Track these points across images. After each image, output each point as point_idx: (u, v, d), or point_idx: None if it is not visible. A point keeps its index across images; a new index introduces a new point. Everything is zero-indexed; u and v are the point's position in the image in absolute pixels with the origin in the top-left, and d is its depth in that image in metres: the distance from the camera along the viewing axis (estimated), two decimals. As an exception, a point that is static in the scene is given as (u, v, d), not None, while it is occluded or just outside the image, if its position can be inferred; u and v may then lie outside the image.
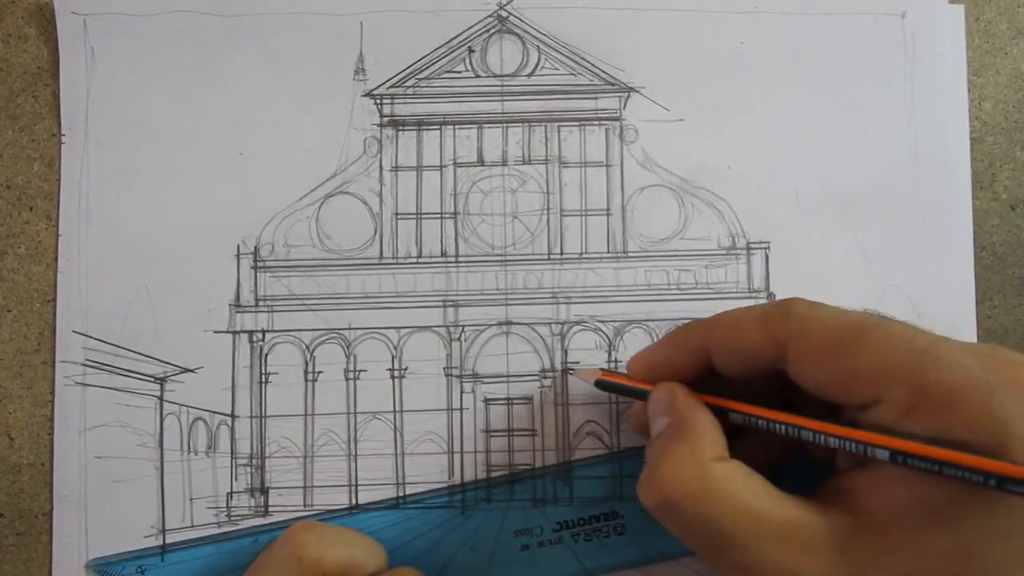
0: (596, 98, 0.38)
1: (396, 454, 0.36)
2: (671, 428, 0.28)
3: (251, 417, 0.36)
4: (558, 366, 0.37)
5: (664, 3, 0.38)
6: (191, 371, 0.36)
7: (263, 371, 0.36)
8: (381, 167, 0.37)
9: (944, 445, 0.23)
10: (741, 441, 0.29)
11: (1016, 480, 0.22)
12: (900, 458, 0.24)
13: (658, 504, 0.27)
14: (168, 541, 0.35)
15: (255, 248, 0.37)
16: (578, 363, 0.37)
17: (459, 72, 0.38)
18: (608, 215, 0.38)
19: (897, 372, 0.25)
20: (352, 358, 0.37)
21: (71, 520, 0.35)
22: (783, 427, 0.28)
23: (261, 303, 0.37)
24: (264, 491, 0.36)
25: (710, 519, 0.26)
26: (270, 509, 0.36)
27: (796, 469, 0.30)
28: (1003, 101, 0.39)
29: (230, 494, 0.36)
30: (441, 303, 0.37)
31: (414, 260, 0.37)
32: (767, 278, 0.37)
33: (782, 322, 0.27)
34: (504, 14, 0.38)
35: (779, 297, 0.37)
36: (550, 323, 0.37)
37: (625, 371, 0.33)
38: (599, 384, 0.33)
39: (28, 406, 0.36)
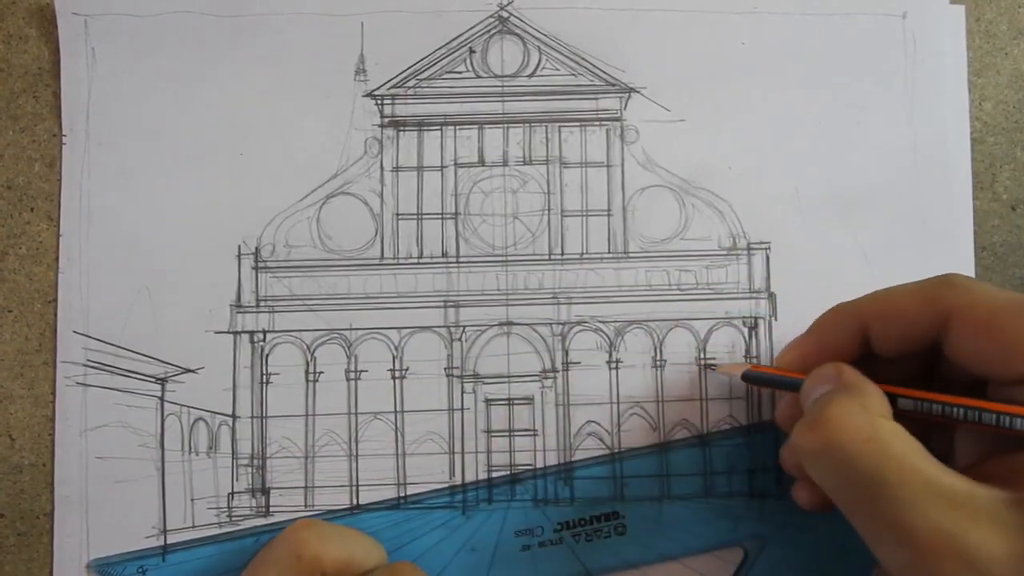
0: (597, 98, 0.38)
1: (397, 454, 0.36)
2: (838, 388, 0.28)
3: (252, 417, 0.36)
4: (559, 366, 0.37)
5: (665, 3, 0.38)
6: (192, 371, 0.36)
7: (264, 371, 0.36)
8: (382, 167, 0.38)
9: None
10: None
11: None
12: None
13: (822, 446, 0.26)
14: (169, 541, 0.35)
15: (256, 248, 0.37)
16: (579, 363, 0.37)
17: (460, 72, 0.38)
18: (609, 215, 0.38)
19: None
20: (353, 358, 0.37)
21: (72, 520, 0.35)
22: (962, 411, 0.27)
23: (262, 303, 0.37)
24: (265, 491, 0.36)
25: (877, 468, 0.25)
26: (271, 509, 0.36)
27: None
28: (1003, 101, 0.39)
29: (231, 494, 0.36)
30: (442, 303, 0.37)
31: (415, 260, 0.37)
32: (767, 278, 0.37)
33: (946, 293, 0.28)
34: (505, 14, 0.38)
35: (780, 298, 0.37)
36: (551, 323, 0.37)
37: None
38: (747, 377, 0.33)
39: (29, 406, 0.36)
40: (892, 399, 0.28)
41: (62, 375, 0.36)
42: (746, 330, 0.37)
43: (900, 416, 0.27)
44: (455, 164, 0.38)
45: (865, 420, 0.26)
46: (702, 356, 0.37)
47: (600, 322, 0.37)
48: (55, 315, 0.36)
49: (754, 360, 0.37)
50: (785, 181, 0.38)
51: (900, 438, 0.26)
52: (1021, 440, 0.27)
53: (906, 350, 0.29)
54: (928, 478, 0.24)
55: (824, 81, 0.38)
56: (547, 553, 0.35)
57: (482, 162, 0.38)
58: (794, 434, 0.27)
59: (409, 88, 0.38)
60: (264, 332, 0.36)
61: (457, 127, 0.38)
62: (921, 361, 0.30)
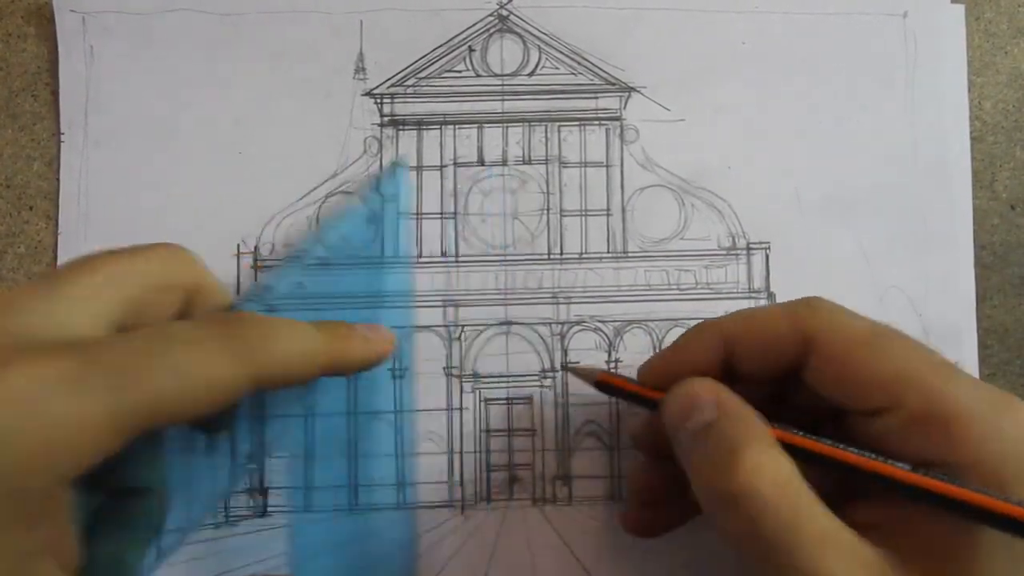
0: (596, 98, 0.38)
1: (396, 454, 0.36)
2: (729, 417, 0.26)
3: (251, 417, 0.36)
4: (558, 366, 0.37)
5: (665, 3, 0.38)
6: (190, 371, 0.36)
7: (263, 371, 0.36)
8: (381, 167, 0.37)
9: (941, 467, 0.24)
10: None
11: None
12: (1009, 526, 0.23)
13: (733, 495, 0.24)
14: (164, 542, 0.35)
15: (255, 247, 0.37)
16: (578, 362, 0.37)
17: (459, 71, 0.38)
18: (608, 215, 0.38)
19: (916, 380, 0.25)
20: (352, 358, 0.37)
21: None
22: (841, 459, 0.26)
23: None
24: (263, 492, 0.36)
25: (791, 516, 0.23)
26: (269, 510, 0.36)
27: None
28: (1003, 101, 0.39)
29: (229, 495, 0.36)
30: (441, 303, 0.37)
31: (414, 260, 0.37)
32: (767, 278, 0.37)
33: (810, 316, 0.27)
34: (504, 13, 0.38)
35: (779, 298, 0.37)
36: (550, 323, 0.37)
37: (625, 372, 0.33)
38: (599, 386, 0.31)
39: (27, 406, 0.36)
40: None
41: (60, 374, 0.35)
42: (746, 330, 0.37)
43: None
44: (454, 163, 0.38)
45: (776, 461, 0.24)
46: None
47: (599, 322, 0.37)
48: (53, 314, 0.36)
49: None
50: (785, 181, 0.38)
51: (804, 483, 0.24)
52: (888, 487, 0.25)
53: (769, 373, 0.28)
54: (833, 526, 0.24)
55: (824, 81, 0.38)
56: (546, 552, 0.35)
57: (481, 161, 0.38)
58: (694, 474, 0.26)
59: (408, 87, 0.38)
60: (263, 331, 0.36)
61: (456, 126, 0.38)
62: (782, 383, 0.29)
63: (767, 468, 0.24)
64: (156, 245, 0.28)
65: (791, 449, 0.26)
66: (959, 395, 0.24)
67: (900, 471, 0.25)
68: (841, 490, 0.27)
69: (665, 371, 0.29)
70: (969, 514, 0.23)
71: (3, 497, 0.21)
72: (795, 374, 0.28)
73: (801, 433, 0.26)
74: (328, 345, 0.29)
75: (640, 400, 0.30)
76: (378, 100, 0.37)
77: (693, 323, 0.36)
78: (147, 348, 0.24)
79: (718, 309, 0.37)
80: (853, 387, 0.26)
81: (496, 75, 0.38)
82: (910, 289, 0.37)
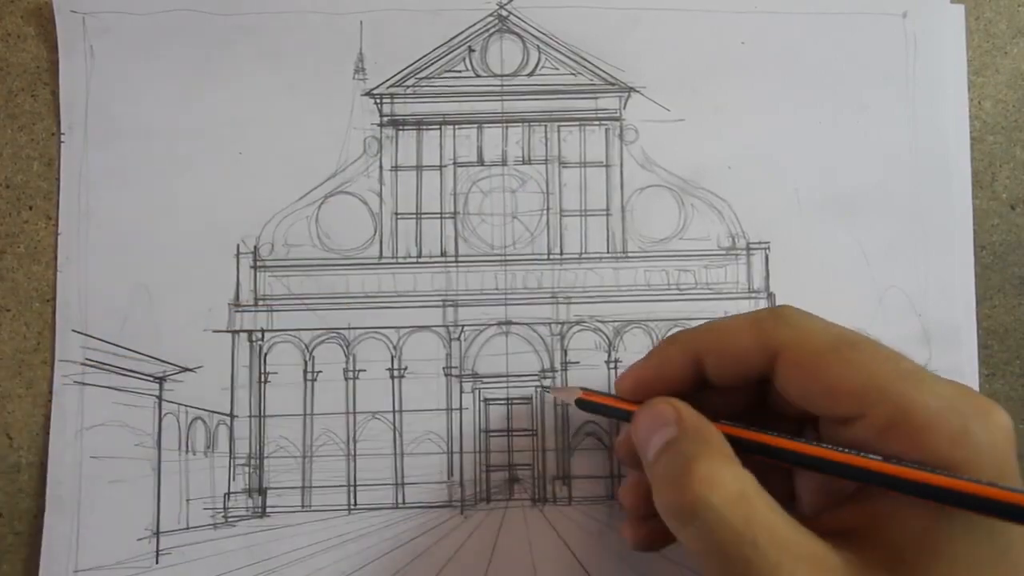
0: (596, 98, 0.38)
1: (395, 454, 0.36)
2: (688, 435, 0.27)
3: (250, 417, 0.36)
4: (558, 366, 0.37)
5: (664, 3, 0.38)
6: (190, 370, 0.36)
7: (262, 371, 0.36)
8: (381, 167, 0.37)
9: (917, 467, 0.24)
10: None
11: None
12: (937, 495, 0.23)
13: (690, 508, 0.25)
14: (162, 544, 0.35)
15: (255, 247, 0.37)
16: (578, 363, 0.37)
17: (459, 72, 0.38)
18: (608, 215, 0.38)
19: (883, 389, 0.25)
20: (351, 358, 0.37)
21: (63, 521, 0.35)
22: (801, 456, 0.26)
23: (260, 303, 0.37)
24: (262, 491, 0.36)
25: (748, 530, 0.24)
26: (268, 510, 0.36)
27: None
28: (1003, 101, 0.39)
29: (227, 495, 0.36)
30: (441, 303, 0.37)
31: (414, 260, 0.37)
32: (767, 278, 0.37)
33: (775, 327, 0.27)
34: (504, 13, 0.38)
35: (779, 298, 0.37)
36: (550, 323, 0.37)
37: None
38: (580, 405, 0.31)
39: (27, 406, 0.36)
40: (733, 441, 0.27)
41: (59, 374, 0.35)
42: (745, 330, 0.37)
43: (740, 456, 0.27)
44: (454, 163, 0.38)
45: (732, 474, 0.25)
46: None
47: (599, 322, 0.37)
48: (53, 314, 0.36)
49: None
50: (785, 181, 0.38)
51: (762, 494, 0.25)
52: (862, 485, 0.26)
53: (741, 382, 0.29)
54: (792, 537, 0.24)
55: (824, 81, 0.38)
56: (546, 552, 0.35)
57: (481, 161, 0.38)
58: (655, 491, 0.26)
59: (408, 87, 0.38)
60: (263, 331, 0.36)
61: (456, 126, 0.38)
62: (757, 391, 0.29)
63: (719, 481, 0.25)
64: None
65: (770, 451, 0.26)
66: (927, 402, 0.24)
67: (836, 453, 0.25)
68: (824, 500, 0.27)
69: (638, 384, 0.30)
70: (920, 493, 0.24)
71: None
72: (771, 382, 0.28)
73: (741, 426, 0.27)
74: None
75: (620, 415, 0.30)
76: (378, 100, 0.37)
77: (693, 323, 0.37)
78: None
79: (718, 309, 0.37)
80: (820, 397, 0.26)
81: (496, 75, 0.38)
82: (910, 289, 0.37)
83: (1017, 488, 0.23)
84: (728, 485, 0.25)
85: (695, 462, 0.25)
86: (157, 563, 0.35)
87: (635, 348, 0.37)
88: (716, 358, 0.29)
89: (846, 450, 0.25)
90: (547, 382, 0.37)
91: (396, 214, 0.37)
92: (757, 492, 0.25)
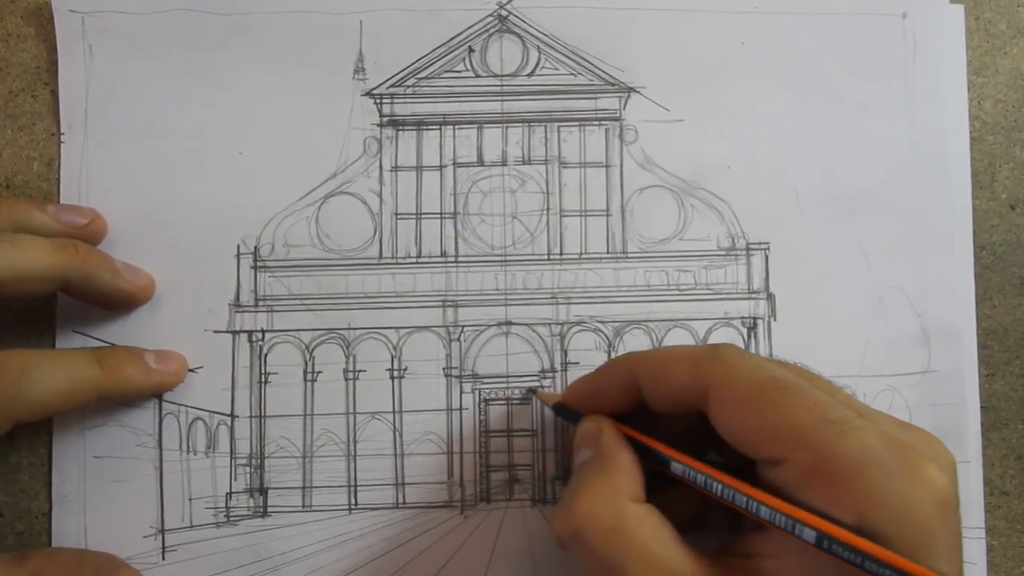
0: (596, 98, 0.38)
1: (395, 454, 0.36)
2: (594, 461, 0.29)
3: (250, 417, 0.36)
4: (558, 367, 0.37)
5: (664, 3, 0.38)
6: (191, 371, 0.36)
7: (262, 371, 0.36)
8: (381, 167, 0.37)
9: (835, 522, 0.24)
10: (660, 486, 0.29)
11: None
12: (826, 543, 0.23)
13: (568, 535, 0.27)
14: (167, 541, 0.35)
15: (255, 248, 0.37)
16: (577, 363, 0.37)
17: (459, 72, 0.38)
18: (608, 216, 0.38)
19: (805, 436, 0.25)
20: (351, 358, 0.37)
21: (70, 520, 0.35)
22: (695, 475, 0.27)
23: (261, 303, 0.37)
24: (263, 491, 0.36)
25: (616, 559, 0.25)
26: (269, 510, 0.36)
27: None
28: (1003, 101, 0.39)
29: (229, 494, 0.36)
30: (441, 303, 0.37)
31: (414, 260, 0.37)
32: (767, 279, 0.37)
33: (708, 365, 0.27)
34: (504, 13, 0.38)
35: (779, 298, 0.37)
36: (550, 323, 0.37)
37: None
38: (556, 410, 0.33)
39: (27, 406, 0.36)
40: (666, 461, 0.28)
41: (60, 374, 0.35)
42: (745, 331, 0.37)
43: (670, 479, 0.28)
44: (454, 164, 0.38)
45: (610, 509, 0.26)
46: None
47: (599, 322, 0.37)
48: (54, 314, 0.36)
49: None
50: (785, 181, 0.38)
51: (644, 523, 0.26)
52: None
53: (680, 412, 0.29)
54: (666, 568, 0.25)
55: (824, 81, 0.38)
56: (546, 552, 0.35)
57: (481, 162, 0.38)
58: (551, 519, 0.28)
59: (408, 87, 0.38)
60: (263, 331, 0.36)
61: (456, 126, 0.38)
62: (700, 419, 0.29)
63: (596, 516, 0.26)
64: None
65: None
66: (848, 453, 0.24)
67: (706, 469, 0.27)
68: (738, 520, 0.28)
69: (581, 397, 0.31)
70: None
71: None
72: None
73: (645, 434, 0.29)
74: (104, 374, 0.32)
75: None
76: (378, 100, 0.37)
77: (693, 323, 0.37)
78: None
79: (718, 309, 0.37)
80: (745, 436, 0.26)
81: (496, 75, 0.38)
82: (910, 289, 0.37)
83: (887, 563, 0.22)
84: (604, 520, 0.26)
85: (579, 495, 0.27)
86: (164, 559, 0.35)
87: (635, 348, 0.37)
88: (653, 386, 0.29)
89: (739, 485, 0.26)
90: (547, 382, 0.37)
91: (396, 214, 0.37)
92: (640, 521, 0.26)
